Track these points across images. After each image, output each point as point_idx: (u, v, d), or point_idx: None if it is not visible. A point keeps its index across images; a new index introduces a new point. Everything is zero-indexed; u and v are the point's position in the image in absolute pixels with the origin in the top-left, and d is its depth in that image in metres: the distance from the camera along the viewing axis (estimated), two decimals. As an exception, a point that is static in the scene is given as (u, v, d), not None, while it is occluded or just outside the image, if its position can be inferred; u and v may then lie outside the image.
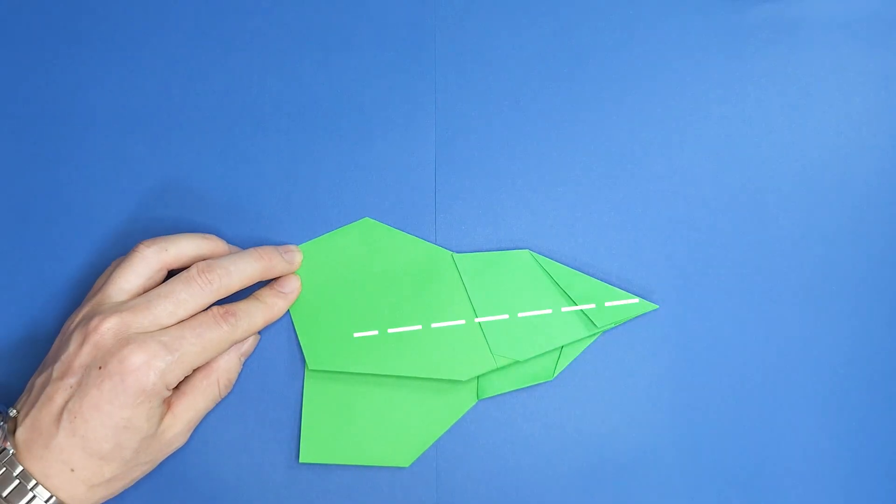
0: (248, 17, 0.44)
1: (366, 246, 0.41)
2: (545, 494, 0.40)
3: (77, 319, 0.36)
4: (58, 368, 0.35)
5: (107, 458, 0.35)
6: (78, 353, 0.35)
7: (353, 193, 0.42)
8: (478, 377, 0.40)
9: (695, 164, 0.42)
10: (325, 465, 0.40)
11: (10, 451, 0.34)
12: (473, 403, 0.40)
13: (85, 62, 0.43)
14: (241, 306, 0.38)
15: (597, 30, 0.43)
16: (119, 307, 0.35)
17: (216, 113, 0.43)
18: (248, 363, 0.41)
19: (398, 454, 0.40)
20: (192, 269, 0.37)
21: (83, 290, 0.41)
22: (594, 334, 0.40)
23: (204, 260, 0.37)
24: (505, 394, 0.41)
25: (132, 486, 0.38)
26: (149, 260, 0.37)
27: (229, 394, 0.40)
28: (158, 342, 0.35)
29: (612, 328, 0.41)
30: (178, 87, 0.43)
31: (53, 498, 0.34)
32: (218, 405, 0.40)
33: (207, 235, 0.39)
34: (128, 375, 0.34)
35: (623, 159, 0.42)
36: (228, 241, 0.41)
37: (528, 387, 0.41)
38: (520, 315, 0.40)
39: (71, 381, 0.34)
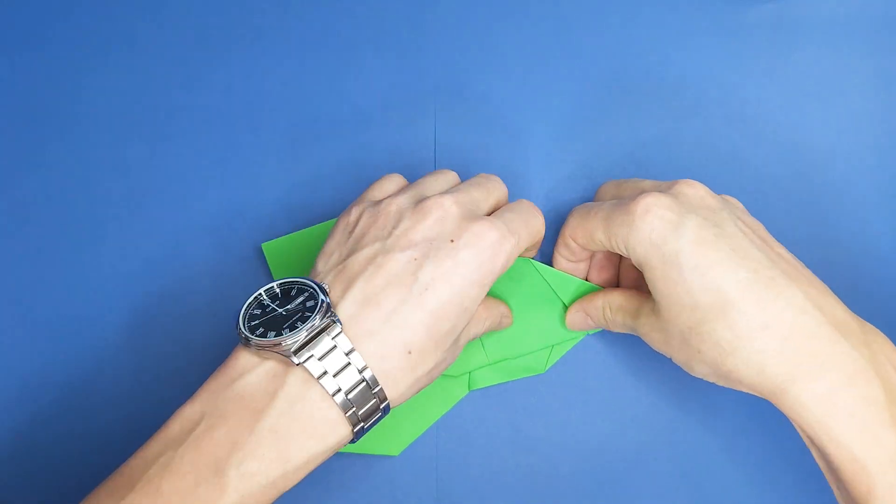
0: (249, 18, 0.44)
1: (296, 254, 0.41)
2: (545, 493, 0.40)
3: (390, 204, 0.33)
4: (389, 242, 0.31)
5: (440, 341, 0.31)
6: (417, 226, 0.31)
7: (352, 193, 0.42)
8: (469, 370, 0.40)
9: (695, 163, 0.42)
10: (325, 462, 0.40)
11: (339, 328, 0.30)
12: (465, 394, 0.40)
13: (85, 62, 0.44)
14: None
15: (597, 29, 0.43)
16: (444, 191, 0.33)
17: (216, 113, 0.43)
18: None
19: (390, 444, 0.40)
20: (477, 176, 0.36)
21: (83, 289, 0.41)
22: (586, 332, 0.40)
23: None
24: (504, 393, 0.41)
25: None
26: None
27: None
28: (503, 222, 0.32)
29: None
30: (178, 87, 0.43)
31: (378, 387, 0.30)
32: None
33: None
34: (484, 250, 0.31)
35: (624, 160, 0.42)
36: (228, 241, 0.41)
37: (527, 386, 0.41)
38: (513, 318, 0.40)
39: (413, 253, 0.31)
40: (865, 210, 0.42)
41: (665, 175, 0.42)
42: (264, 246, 0.40)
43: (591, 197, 0.42)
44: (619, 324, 0.37)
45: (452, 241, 0.31)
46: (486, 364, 0.40)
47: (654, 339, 0.35)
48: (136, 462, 0.29)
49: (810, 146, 0.42)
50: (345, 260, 0.32)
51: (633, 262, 0.33)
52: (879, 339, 0.31)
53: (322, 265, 0.33)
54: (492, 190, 0.35)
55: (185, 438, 0.29)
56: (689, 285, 0.31)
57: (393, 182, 0.36)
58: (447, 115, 0.43)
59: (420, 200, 0.33)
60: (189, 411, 0.30)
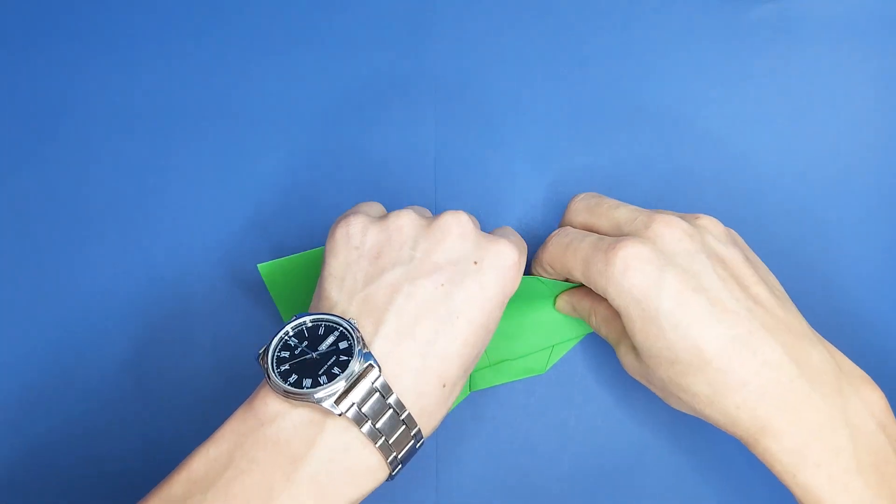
0: (249, 17, 0.44)
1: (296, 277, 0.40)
2: (545, 493, 0.40)
3: (400, 218, 0.31)
4: (412, 267, 0.30)
5: (469, 368, 0.31)
6: (439, 247, 0.30)
7: (353, 193, 0.42)
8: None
9: (695, 163, 0.42)
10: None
11: (378, 372, 0.28)
12: (466, 395, 0.40)
13: (85, 62, 0.44)
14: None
15: (597, 29, 0.43)
16: (427, 213, 0.33)
17: (216, 113, 0.43)
18: (249, 364, 0.41)
19: None
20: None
21: (82, 290, 0.41)
22: (585, 332, 0.40)
23: None
24: (505, 393, 0.41)
25: (130, 486, 0.38)
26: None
27: (229, 392, 0.40)
28: (516, 239, 0.33)
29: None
30: (178, 87, 0.43)
31: (416, 427, 0.29)
32: (218, 404, 0.40)
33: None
34: (507, 270, 0.31)
35: (624, 159, 0.42)
36: (227, 240, 0.41)
37: (527, 386, 0.41)
38: (512, 318, 0.40)
39: (440, 278, 0.30)
40: (866, 210, 0.42)
41: (666, 175, 0.42)
42: (260, 267, 0.38)
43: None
44: (602, 333, 0.37)
45: (476, 262, 0.31)
46: (487, 365, 0.40)
47: (633, 370, 0.35)
48: None
49: (810, 146, 0.42)
50: (366, 288, 0.30)
51: (612, 306, 0.33)
52: (856, 381, 0.31)
53: (336, 293, 0.31)
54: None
55: (215, 482, 0.27)
56: (670, 342, 0.31)
57: (374, 207, 0.34)
58: (447, 115, 0.43)
59: (434, 217, 0.32)
60: (215, 452, 0.28)
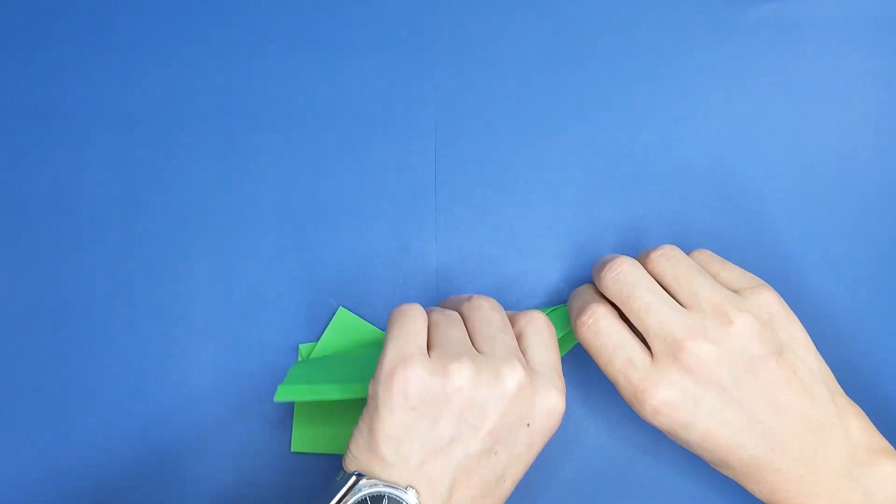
0: (248, 18, 0.44)
1: (347, 341, 0.41)
2: (545, 493, 0.40)
3: (461, 374, 0.31)
4: (471, 438, 0.31)
5: None
6: (500, 418, 0.31)
7: (353, 193, 0.42)
8: None
9: (695, 163, 0.42)
10: (325, 467, 0.40)
11: None
12: None
13: (85, 62, 0.43)
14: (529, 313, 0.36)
15: (597, 29, 0.43)
16: (480, 356, 0.32)
17: (216, 113, 0.43)
18: (249, 365, 0.41)
19: None
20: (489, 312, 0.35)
21: (82, 290, 0.41)
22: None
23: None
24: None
25: (129, 484, 0.38)
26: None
27: (229, 394, 0.41)
28: (556, 378, 0.34)
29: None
30: (178, 87, 0.43)
31: None
32: (218, 405, 0.41)
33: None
34: (555, 425, 0.33)
35: (623, 159, 0.42)
36: (226, 240, 0.41)
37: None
38: None
39: (495, 447, 0.31)
40: (866, 210, 0.42)
41: (666, 175, 0.42)
42: (301, 349, 0.41)
43: (596, 196, 0.42)
44: None
45: (528, 424, 0.32)
46: None
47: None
48: None
49: (810, 146, 0.42)
50: (423, 456, 0.31)
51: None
52: (871, 457, 0.33)
53: (393, 455, 0.31)
54: (503, 320, 0.35)
55: None
56: (697, 453, 0.35)
57: (418, 321, 0.34)
58: (447, 114, 0.43)
59: (490, 368, 0.32)
60: None
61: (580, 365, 0.41)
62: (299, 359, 0.41)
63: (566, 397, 0.33)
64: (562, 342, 0.40)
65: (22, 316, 0.42)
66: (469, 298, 0.36)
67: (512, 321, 0.36)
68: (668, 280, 0.35)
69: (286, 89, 0.43)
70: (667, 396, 0.33)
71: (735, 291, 0.35)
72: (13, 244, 0.42)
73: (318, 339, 0.41)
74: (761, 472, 0.33)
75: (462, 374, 0.31)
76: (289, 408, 0.41)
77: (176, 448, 0.41)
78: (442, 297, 0.42)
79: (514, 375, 0.32)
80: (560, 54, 0.43)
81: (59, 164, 0.43)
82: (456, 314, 0.35)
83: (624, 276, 0.35)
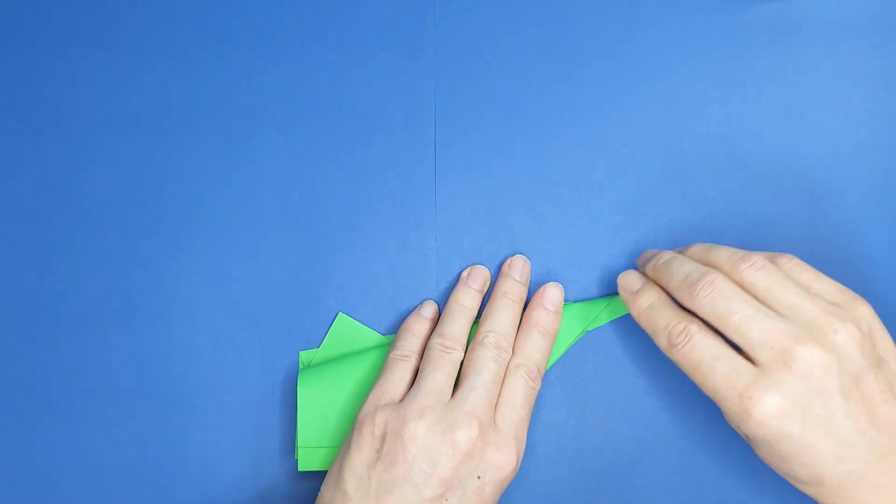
0: (248, 17, 0.44)
1: (347, 347, 0.41)
2: (544, 493, 0.40)
3: (420, 424, 0.35)
4: (421, 486, 0.34)
5: None
6: (447, 465, 0.34)
7: (353, 193, 0.42)
8: None
9: (695, 163, 0.42)
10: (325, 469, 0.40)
11: None
12: None
13: (85, 62, 0.43)
14: (529, 353, 0.38)
15: (596, 29, 0.43)
16: (446, 407, 0.35)
17: (216, 113, 0.43)
18: (249, 365, 0.41)
19: None
20: (482, 349, 0.37)
21: (82, 290, 0.42)
22: (584, 329, 0.40)
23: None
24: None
25: (129, 484, 0.38)
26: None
27: (229, 395, 0.41)
28: (512, 438, 0.35)
29: (611, 326, 0.41)
30: (178, 87, 0.43)
31: None
32: (217, 406, 0.41)
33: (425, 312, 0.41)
34: (507, 477, 0.35)
35: (623, 159, 0.42)
36: (226, 240, 0.41)
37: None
38: None
39: (444, 495, 0.34)
40: (866, 210, 0.42)
41: (666, 175, 0.42)
42: (303, 355, 0.41)
43: (588, 193, 0.42)
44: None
45: (479, 477, 0.34)
46: None
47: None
48: None
49: (810, 146, 0.42)
50: (378, 497, 0.34)
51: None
52: None
53: (353, 489, 0.34)
54: (496, 373, 0.37)
55: None
56: (791, 469, 0.33)
57: (404, 370, 0.38)
58: (447, 114, 0.43)
59: (450, 427, 0.34)
60: None
61: (580, 366, 0.41)
62: (301, 366, 0.41)
63: (522, 453, 0.36)
64: (563, 339, 0.40)
65: (22, 316, 0.42)
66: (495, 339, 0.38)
67: (525, 331, 0.39)
68: (761, 293, 0.34)
69: (286, 89, 0.43)
70: (776, 403, 0.32)
71: (831, 304, 0.34)
72: (13, 244, 0.42)
73: (317, 343, 0.41)
74: (857, 490, 0.32)
75: (420, 425, 0.34)
76: (288, 408, 0.41)
77: (176, 448, 0.41)
78: (442, 297, 0.42)
79: (468, 433, 0.34)
80: (560, 54, 0.43)
81: (59, 163, 0.43)
82: (453, 354, 0.38)
83: (719, 291, 0.34)
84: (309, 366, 0.40)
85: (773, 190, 0.42)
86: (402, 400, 0.36)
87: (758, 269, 0.34)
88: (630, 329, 0.41)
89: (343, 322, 0.41)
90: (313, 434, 0.39)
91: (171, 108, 0.43)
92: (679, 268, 0.36)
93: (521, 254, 0.42)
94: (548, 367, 0.40)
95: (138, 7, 0.44)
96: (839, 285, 0.35)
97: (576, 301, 0.41)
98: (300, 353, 0.41)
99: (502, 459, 0.35)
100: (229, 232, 0.42)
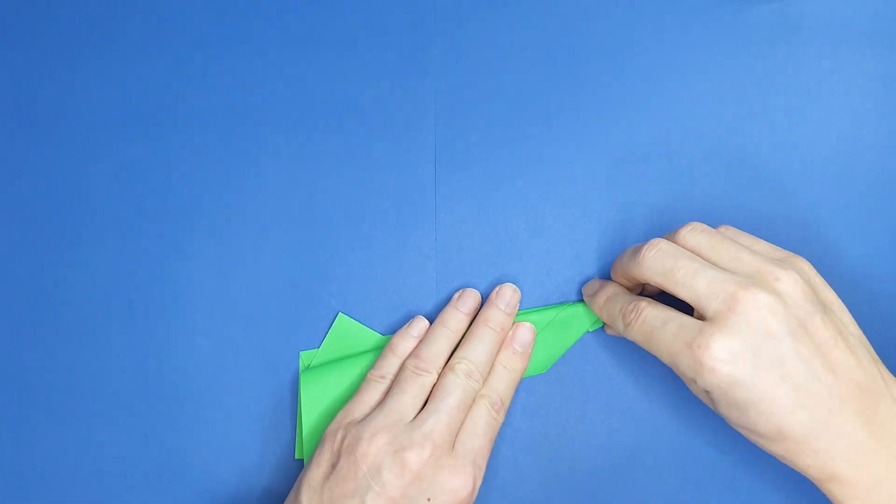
0: (249, 18, 0.44)
1: (347, 347, 0.41)
2: (544, 492, 0.40)
3: (373, 443, 0.35)
4: (377, 501, 0.34)
5: None
6: (396, 484, 0.34)
7: (353, 194, 0.42)
8: None
9: (695, 163, 0.42)
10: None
11: None
12: None
13: (86, 62, 0.43)
14: (496, 386, 0.38)
15: (596, 30, 0.43)
16: (403, 427, 0.35)
17: (216, 113, 0.43)
18: (249, 365, 0.41)
19: None
20: (452, 376, 0.37)
21: (82, 290, 0.42)
22: (584, 329, 0.40)
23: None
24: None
25: (130, 484, 0.38)
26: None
27: (229, 395, 0.41)
28: (470, 463, 0.35)
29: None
30: (178, 87, 0.43)
31: None
32: (217, 407, 0.41)
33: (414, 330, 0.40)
34: (455, 503, 0.35)
35: (623, 159, 0.42)
36: (227, 240, 0.41)
37: (527, 386, 0.41)
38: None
39: None
40: (866, 210, 0.42)
41: (666, 175, 0.42)
42: (303, 356, 0.41)
43: (594, 198, 0.42)
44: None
45: (429, 499, 0.34)
46: None
47: (695, 392, 0.36)
48: None
49: (810, 146, 0.42)
50: None
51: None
52: None
53: (307, 499, 0.35)
54: (462, 400, 0.37)
55: None
56: (752, 421, 0.33)
57: (373, 392, 0.38)
58: (447, 114, 0.43)
59: (402, 448, 0.35)
60: None
61: (580, 366, 0.41)
62: (301, 366, 0.41)
63: (481, 480, 0.36)
64: (563, 340, 0.40)
65: (22, 316, 0.42)
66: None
67: (494, 365, 0.39)
68: (705, 251, 0.35)
69: (286, 89, 0.43)
70: (725, 347, 0.32)
71: (773, 258, 0.35)
72: (13, 244, 0.42)
73: (317, 343, 0.41)
74: (819, 440, 0.32)
75: (373, 444, 0.35)
76: (289, 408, 0.41)
77: (176, 448, 0.41)
78: (442, 297, 0.42)
79: (419, 454, 0.34)
80: (560, 53, 0.43)
81: (59, 163, 0.43)
82: (424, 377, 0.37)
83: (663, 251, 0.35)
84: (310, 367, 0.40)
85: (773, 190, 0.42)
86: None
87: (699, 231, 0.36)
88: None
89: (343, 322, 0.41)
90: (315, 435, 0.39)
91: (172, 109, 0.43)
92: (627, 249, 0.38)
93: (521, 254, 0.42)
94: (548, 367, 0.40)
95: (140, 7, 0.44)
96: (778, 247, 0.36)
97: (576, 301, 0.41)
98: (300, 353, 0.41)
99: (457, 483, 0.35)
100: (230, 232, 0.42)
